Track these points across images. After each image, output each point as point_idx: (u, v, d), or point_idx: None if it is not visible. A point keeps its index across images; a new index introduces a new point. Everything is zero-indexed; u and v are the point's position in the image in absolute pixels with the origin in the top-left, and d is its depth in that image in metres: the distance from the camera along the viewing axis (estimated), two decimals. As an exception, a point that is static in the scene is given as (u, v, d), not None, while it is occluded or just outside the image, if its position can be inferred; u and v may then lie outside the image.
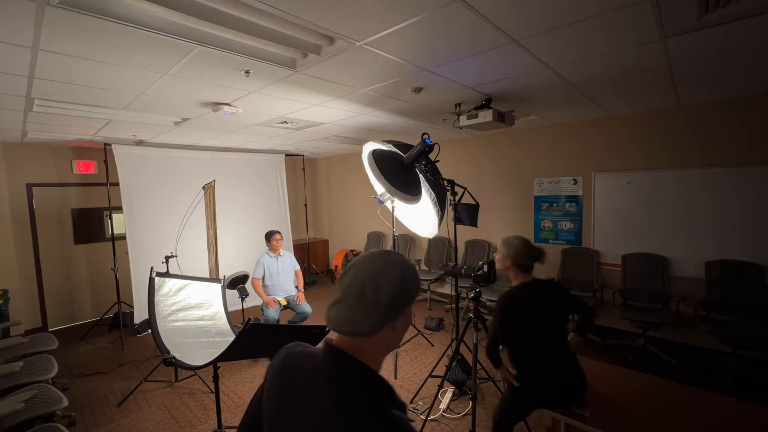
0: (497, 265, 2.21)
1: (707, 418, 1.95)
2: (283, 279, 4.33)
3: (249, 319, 1.71)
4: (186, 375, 3.61)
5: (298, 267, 4.55)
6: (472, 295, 2.43)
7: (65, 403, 2.42)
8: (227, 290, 3.87)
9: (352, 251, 7.09)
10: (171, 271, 3.66)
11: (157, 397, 3.30)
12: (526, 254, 2.08)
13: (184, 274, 4.17)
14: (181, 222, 4.71)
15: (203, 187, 4.71)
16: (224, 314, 3.20)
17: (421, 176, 2.89)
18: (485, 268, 2.32)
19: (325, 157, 7.78)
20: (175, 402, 3.24)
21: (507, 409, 2.08)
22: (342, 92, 2.84)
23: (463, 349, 3.23)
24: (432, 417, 2.86)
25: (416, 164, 2.81)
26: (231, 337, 2.81)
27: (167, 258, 3.82)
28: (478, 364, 2.52)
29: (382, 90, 2.79)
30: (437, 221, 2.95)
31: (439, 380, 3.17)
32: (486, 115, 2.98)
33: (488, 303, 4.49)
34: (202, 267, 5.22)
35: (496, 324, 2.07)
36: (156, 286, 2.84)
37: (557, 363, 2.04)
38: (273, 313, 4.03)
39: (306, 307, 4.23)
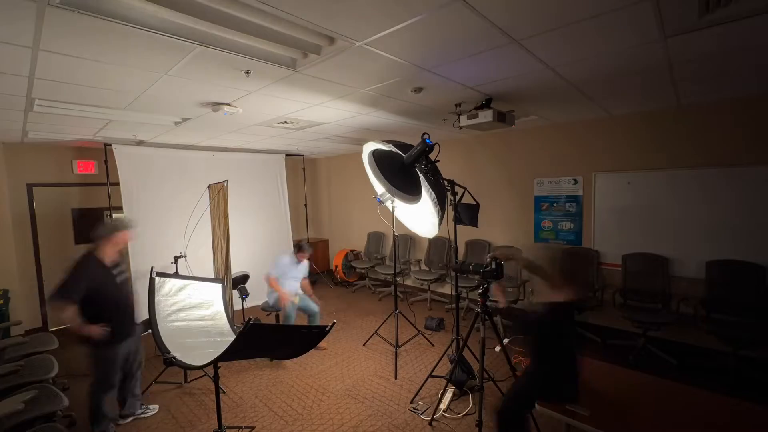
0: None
1: (708, 418, 1.95)
2: (291, 282, 4.22)
3: (249, 319, 1.71)
4: (195, 375, 3.61)
5: (306, 275, 4.44)
6: (480, 291, 2.49)
7: (66, 403, 2.43)
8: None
9: (352, 251, 7.09)
10: (180, 272, 3.68)
11: (158, 397, 3.30)
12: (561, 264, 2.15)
13: (193, 274, 4.17)
14: (187, 222, 4.71)
15: (208, 187, 4.72)
16: (224, 314, 3.21)
17: (421, 176, 2.89)
18: (493, 264, 2.35)
19: (325, 157, 7.78)
20: (176, 402, 3.24)
21: (519, 395, 2.15)
22: (342, 92, 2.84)
23: (471, 343, 3.19)
24: (432, 417, 2.85)
25: (416, 164, 2.81)
26: (231, 337, 2.81)
27: (176, 258, 3.78)
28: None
29: (382, 90, 2.79)
30: (437, 221, 2.95)
31: (439, 380, 3.17)
32: (486, 115, 2.98)
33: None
34: (208, 267, 5.21)
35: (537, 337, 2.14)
36: (156, 286, 2.84)
37: (572, 359, 2.10)
38: (290, 310, 4.01)
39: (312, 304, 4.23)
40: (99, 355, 2.60)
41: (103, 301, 2.56)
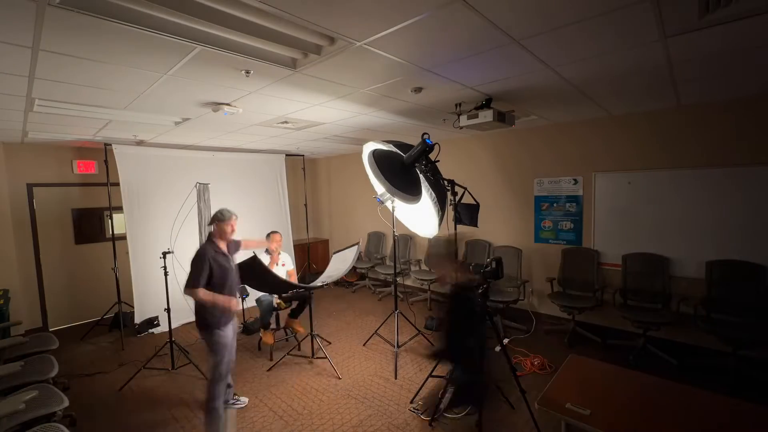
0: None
1: (708, 419, 1.95)
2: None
3: None
4: (182, 363, 3.73)
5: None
6: (480, 291, 2.48)
7: (66, 403, 2.43)
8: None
9: (352, 251, 7.08)
10: (168, 267, 3.78)
11: (158, 397, 3.31)
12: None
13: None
14: (174, 219, 4.77)
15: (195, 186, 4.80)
16: None
17: (421, 176, 2.88)
18: (493, 264, 2.36)
19: (325, 157, 7.78)
20: (176, 402, 3.24)
21: None
22: (342, 92, 2.84)
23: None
24: (432, 417, 2.85)
25: (416, 164, 2.81)
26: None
27: (164, 254, 3.76)
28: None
29: (382, 90, 2.79)
30: (437, 221, 2.94)
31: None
32: (486, 115, 2.98)
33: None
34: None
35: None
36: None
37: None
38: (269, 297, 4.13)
39: None
40: (217, 339, 2.66)
41: (221, 283, 2.70)
